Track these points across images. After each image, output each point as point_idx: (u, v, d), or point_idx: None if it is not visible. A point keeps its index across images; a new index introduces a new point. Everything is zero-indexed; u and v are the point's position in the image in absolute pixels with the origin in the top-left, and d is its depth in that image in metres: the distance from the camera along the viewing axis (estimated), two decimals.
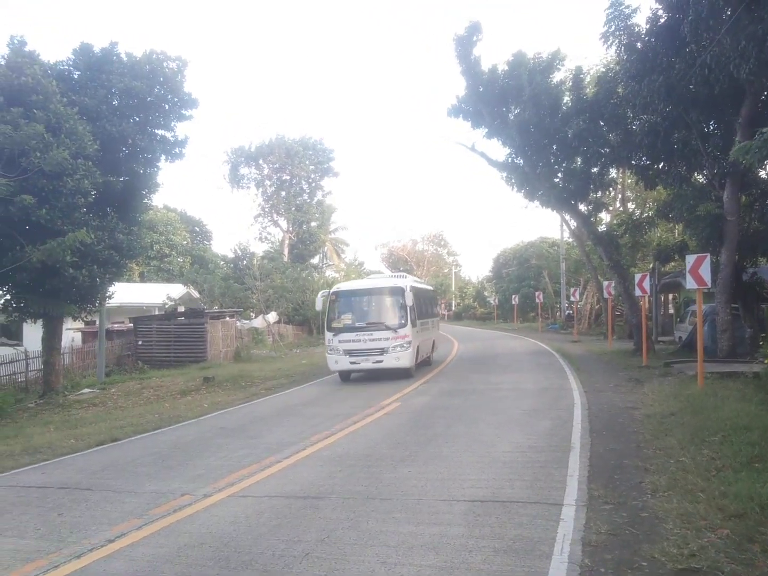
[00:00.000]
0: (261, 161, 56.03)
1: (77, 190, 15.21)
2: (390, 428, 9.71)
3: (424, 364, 18.41)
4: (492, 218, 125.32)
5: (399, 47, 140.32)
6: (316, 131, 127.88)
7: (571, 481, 6.21)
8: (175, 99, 18.82)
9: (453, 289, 71.50)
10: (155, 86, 18.19)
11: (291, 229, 56.46)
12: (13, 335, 25.14)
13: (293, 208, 55.98)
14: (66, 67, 17.55)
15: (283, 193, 56.44)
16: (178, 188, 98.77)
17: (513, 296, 44.97)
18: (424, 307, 18.53)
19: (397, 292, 15.88)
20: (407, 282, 16.60)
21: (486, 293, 65.10)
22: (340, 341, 15.61)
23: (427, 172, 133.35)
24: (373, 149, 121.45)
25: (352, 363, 15.56)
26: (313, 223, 57.79)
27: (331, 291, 16.82)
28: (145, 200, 19.89)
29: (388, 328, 15.40)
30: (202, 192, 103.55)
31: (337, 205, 79.19)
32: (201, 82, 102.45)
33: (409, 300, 15.39)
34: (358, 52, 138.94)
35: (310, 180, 57.94)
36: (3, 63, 15.63)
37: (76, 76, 17.50)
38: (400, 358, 15.39)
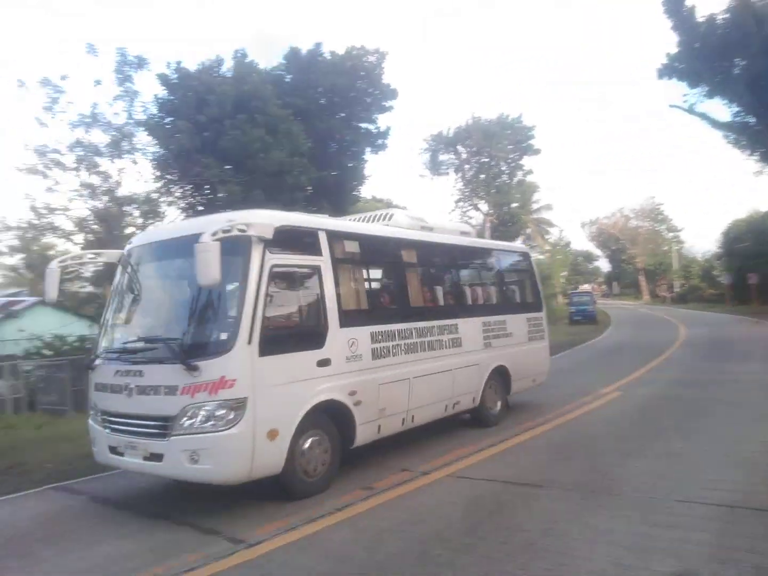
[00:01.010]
0: (459, 146, 56.28)
1: (296, 185, 16.60)
2: (610, 419, 9.01)
3: (469, 424, 8.81)
4: (716, 188, 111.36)
5: (595, 8, 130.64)
6: (513, 108, 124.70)
7: None
8: (376, 92, 19.55)
9: (675, 268, 64.81)
10: (357, 81, 19.08)
11: (492, 211, 55.94)
12: None
13: (493, 191, 55.37)
14: (279, 72, 19.14)
15: (483, 176, 56.10)
16: (384, 178, 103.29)
17: (749, 275, 39.37)
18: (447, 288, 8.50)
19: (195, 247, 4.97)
20: (261, 219, 5.70)
21: (715, 272, 57.81)
22: (96, 387, 6.33)
23: (637, 142, 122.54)
24: (576, 122, 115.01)
25: (111, 449, 5.96)
26: (513, 205, 56.59)
27: (126, 249, 6.87)
28: (355, 192, 21.04)
29: (174, 359, 5.39)
30: (406, 180, 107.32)
31: (539, 183, 76.53)
32: (395, 71, 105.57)
33: (254, 272, 5.47)
34: (552, 19, 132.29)
35: (509, 160, 56.71)
36: (230, 75, 17.56)
37: (287, 80, 19.01)
38: (203, 453, 5.18)
